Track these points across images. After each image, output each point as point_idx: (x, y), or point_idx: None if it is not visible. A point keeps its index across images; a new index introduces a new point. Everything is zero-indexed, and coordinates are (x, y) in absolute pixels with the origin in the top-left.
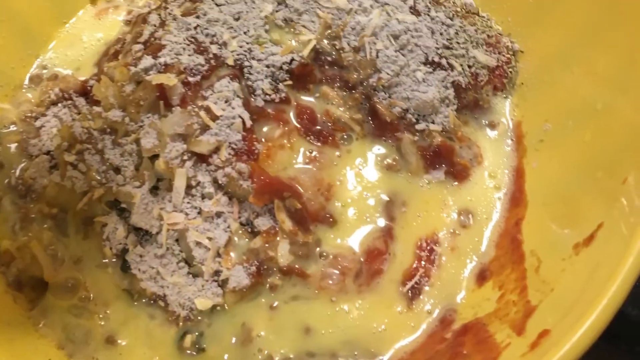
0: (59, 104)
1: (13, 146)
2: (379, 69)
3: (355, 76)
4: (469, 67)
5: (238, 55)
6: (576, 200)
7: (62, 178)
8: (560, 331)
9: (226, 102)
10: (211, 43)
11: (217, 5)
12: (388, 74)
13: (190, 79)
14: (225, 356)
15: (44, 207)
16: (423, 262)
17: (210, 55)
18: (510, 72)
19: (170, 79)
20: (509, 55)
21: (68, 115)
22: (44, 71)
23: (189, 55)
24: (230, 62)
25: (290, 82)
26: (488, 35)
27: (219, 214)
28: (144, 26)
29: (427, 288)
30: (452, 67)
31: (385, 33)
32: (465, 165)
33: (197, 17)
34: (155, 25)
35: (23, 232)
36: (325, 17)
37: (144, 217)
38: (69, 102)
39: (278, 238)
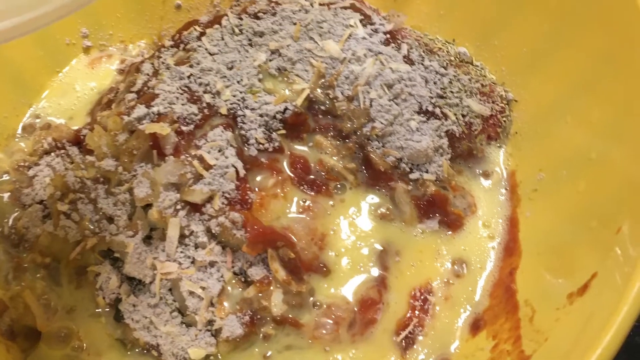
0: (52, 154)
1: (6, 195)
2: (372, 118)
3: (349, 125)
4: (463, 116)
5: (231, 104)
6: (570, 249)
7: (55, 227)
8: None
9: (219, 151)
10: (204, 92)
11: (210, 54)
12: (382, 123)
13: (184, 128)
14: None
15: (37, 257)
16: (417, 312)
17: (204, 105)
18: (504, 121)
19: (163, 129)
20: (503, 105)
21: (61, 164)
22: (37, 120)
23: (182, 104)
24: (223, 111)
25: (283, 132)
26: (482, 85)
27: (212, 264)
28: (137, 75)
29: (421, 338)
30: (446, 117)
31: (379, 82)
32: (459, 215)
33: (191, 66)
34: (148, 75)
35: (16, 282)
36: (319, 66)
37: (137, 267)
38: (62, 151)
39: (271, 287)
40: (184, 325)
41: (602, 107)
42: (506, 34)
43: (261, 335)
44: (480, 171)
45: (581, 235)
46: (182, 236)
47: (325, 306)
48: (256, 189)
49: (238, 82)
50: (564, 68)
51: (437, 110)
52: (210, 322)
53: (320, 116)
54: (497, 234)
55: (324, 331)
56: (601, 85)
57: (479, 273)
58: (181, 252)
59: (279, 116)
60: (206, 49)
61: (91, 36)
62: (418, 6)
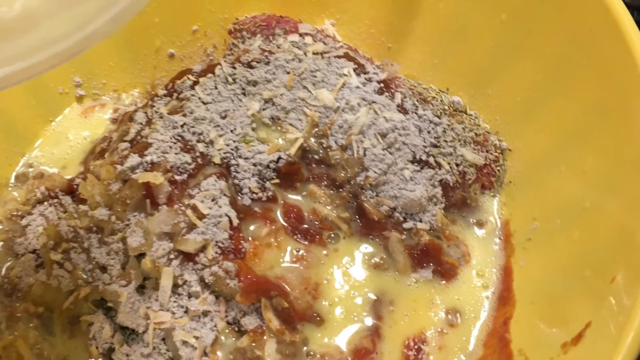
0: (45, 203)
1: None
2: (366, 168)
3: (342, 175)
4: (457, 165)
5: (225, 153)
6: (564, 299)
7: (48, 277)
8: None
9: (213, 200)
10: (198, 141)
11: (203, 103)
12: (375, 172)
13: (177, 177)
14: None
15: (30, 306)
16: None
17: (197, 154)
18: (498, 170)
19: (156, 178)
20: (496, 154)
21: (54, 213)
22: (30, 169)
23: (176, 153)
24: (217, 160)
25: (277, 181)
26: (476, 134)
27: (205, 313)
28: (131, 124)
29: None
30: (439, 166)
31: (372, 131)
32: (453, 264)
33: (184, 115)
34: (141, 124)
35: (9, 331)
36: (313, 116)
37: (130, 316)
38: (55, 200)
39: (265, 337)
40: None
41: (595, 157)
42: (500, 83)
43: None
44: (474, 220)
45: (575, 284)
46: (175, 285)
47: (319, 356)
48: (250, 239)
49: (231, 131)
50: (558, 117)
51: (431, 160)
52: None
53: (314, 165)
54: (491, 284)
55: None
56: (595, 135)
57: (473, 322)
58: (174, 301)
59: (272, 165)
60: (199, 98)
61: (84, 85)
62: (412, 55)
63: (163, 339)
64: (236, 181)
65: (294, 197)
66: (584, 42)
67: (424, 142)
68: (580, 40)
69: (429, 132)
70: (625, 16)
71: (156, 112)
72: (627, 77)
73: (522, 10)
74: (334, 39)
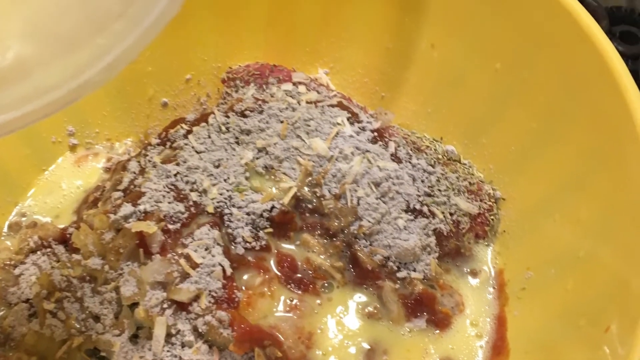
0: (38, 252)
1: None
2: (360, 217)
3: (336, 224)
4: (451, 214)
5: (218, 202)
6: (558, 348)
7: (41, 326)
8: None
9: (206, 250)
10: (191, 190)
11: (197, 152)
12: (369, 221)
13: (170, 226)
14: None
15: (23, 356)
16: None
17: (190, 203)
18: (492, 219)
19: (150, 227)
20: (490, 203)
21: (47, 263)
22: (23, 219)
23: (169, 202)
24: (210, 209)
25: (270, 230)
26: (470, 183)
27: None
28: (124, 173)
29: None
30: (433, 215)
31: (366, 180)
32: (447, 314)
33: (177, 164)
34: (135, 173)
35: None
36: (306, 165)
37: None
38: (48, 250)
39: None
40: None
41: (590, 205)
42: (494, 132)
43: None
44: (468, 270)
45: (570, 333)
46: (168, 335)
47: None
48: (243, 288)
49: (225, 180)
50: (552, 166)
51: (425, 209)
52: None
53: (308, 214)
54: (485, 333)
55: None
56: (589, 183)
57: None
58: (168, 351)
59: (265, 214)
60: (193, 147)
61: (77, 134)
62: (405, 104)
63: None
64: (229, 230)
65: (287, 246)
66: (578, 90)
67: (418, 191)
68: (574, 89)
69: (422, 181)
70: (619, 64)
71: (149, 161)
72: (621, 125)
73: (516, 59)
74: (328, 87)
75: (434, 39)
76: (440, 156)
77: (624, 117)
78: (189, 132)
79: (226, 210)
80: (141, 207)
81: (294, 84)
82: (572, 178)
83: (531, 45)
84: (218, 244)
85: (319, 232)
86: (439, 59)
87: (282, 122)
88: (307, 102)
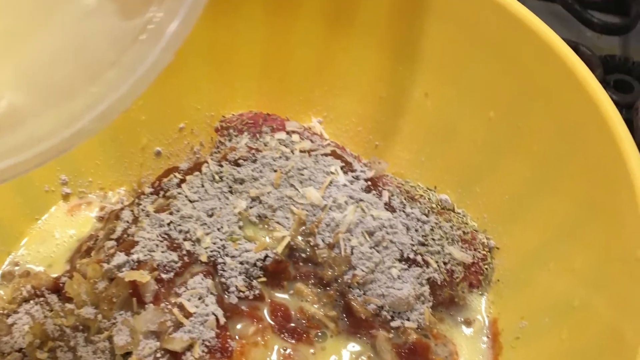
0: (31, 301)
1: None
2: (353, 266)
3: (329, 273)
4: (445, 263)
5: (212, 252)
6: None
7: None
8: None
9: (199, 299)
10: (184, 240)
11: (190, 201)
12: (363, 270)
13: (164, 276)
14: None
15: None
16: None
17: (184, 252)
18: (486, 268)
19: (143, 276)
20: (484, 252)
21: (40, 312)
22: (16, 268)
23: (162, 252)
24: (203, 258)
25: (264, 279)
26: (464, 232)
27: None
28: (117, 223)
29: None
30: (427, 264)
31: (360, 230)
32: None
33: (171, 213)
34: (128, 222)
35: None
36: (300, 214)
37: None
38: (41, 299)
39: None
40: None
41: (584, 254)
42: (488, 181)
43: None
44: (462, 319)
45: None
46: None
47: None
48: (236, 337)
49: (218, 229)
50: (546, 215)
51: (419, 258)
52: None
53: (301, 264)
54: None
55: None
56: (584, 232)
57: None
58: None
59: (259, 264)
60: (186, 196)
61: (70, 183)
62: (399, 153)
63: None
64: (223, 279)
65: (281, 296)
66: (573, 139)
67: (412, 240)
68: (568, 138)
69: (416, 231)
70: (613, 114)
71: (143, 210)
72: (615, 174)
73: (510, 108)
74: (321, 136)
75: (427, 88)
76: (434, 205)
77: (618, 166)
78: (183, 181)
79: (220, 260)
80: (134, 257)
81: (288, 132)
82: (566, 227)
83: (525, 93)
84: (211, 293)
85: (312, 281)
86: (432, 108)
87: (275, 171)
88: (301, 151)
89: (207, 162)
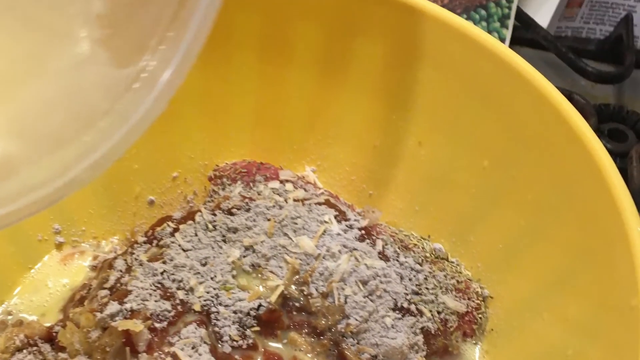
0: (24, 350)
1: None
2: (347, 315)
3: (323, 322)
4: (439, 312)
5: (205, 301)
6: None
7: None
8: None
9: (193, 348)
10: (178, 289)
11: (183, 250)
12: (357, 319)
13: (157, 325)
14: None
15: None
16: None
17: (177, 301)
18: (480, 318)
19: (136, 325)
20: (478, 301)
21: None
22: (9, 317)
23: (156, 301)
24: (197, 308)
25: (257, 328)
26: (457, 281)
27: None
28: (110, 272)
29: None
30: (421, 313)
31: (353, 279)
32: None
33: (164, 262)
34: (121, 271)
35: None
36: (293, 263)
37: None
38: (35, 348)
39: None
40: None
41: (578, 304)
42: (482, 230)
43: None
44: None
45: None
46: None
47: None
48: None
49: (212, 278)
50: (541, 264)
51: (413, 307)
52: None
53: (295, 313)
54: None
55: None
56: (578, 281)
57: None
58: None
59: (252, 313)
60: (179, 245)
61: (63, 232)
62: (393, 202)
63: None
64: (216, 329)
65: (274, 345)
66: (567, 188)
67: (406, 289)
68: (563, 187)
69: (410, 280)
70: (608, 163)
71: (136, 259)
72: (609, 223)
73: (504, 157)
74: (315, 185)
75: (421, 137)
76: (428, 254)
77: (613, 214)
78: (176, 230)
79: (213, 309)
80: (128, 306)
81: (281, 181)
82: (560, 276)
83: (519, 142)
84: (205, 343)
85: (306, 330)
86: (426, 157)
87: (269, 220)
88: (294, 200)
89: (200, 211)
